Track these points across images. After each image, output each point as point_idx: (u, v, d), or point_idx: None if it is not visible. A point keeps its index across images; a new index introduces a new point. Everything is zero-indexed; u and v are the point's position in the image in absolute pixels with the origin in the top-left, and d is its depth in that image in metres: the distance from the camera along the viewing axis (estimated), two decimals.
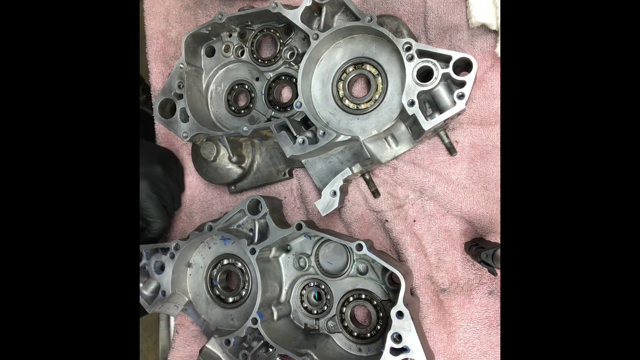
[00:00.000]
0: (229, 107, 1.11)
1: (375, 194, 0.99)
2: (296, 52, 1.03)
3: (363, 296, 0.96)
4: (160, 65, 1.23)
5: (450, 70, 0.82)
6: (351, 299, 0.97)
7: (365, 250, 0.86)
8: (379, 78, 0.94)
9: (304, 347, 0.92)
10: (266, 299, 0.97)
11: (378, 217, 1.00)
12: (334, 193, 0.92)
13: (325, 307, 0.99)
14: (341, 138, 0.91)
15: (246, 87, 1.10)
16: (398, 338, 0.83)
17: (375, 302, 0.95)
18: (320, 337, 0.97)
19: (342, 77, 0.97)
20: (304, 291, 1.01)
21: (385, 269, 0.92)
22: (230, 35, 1.09)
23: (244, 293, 1.05)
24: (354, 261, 0.97)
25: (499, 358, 0.90)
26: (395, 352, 0.83)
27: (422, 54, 0.85)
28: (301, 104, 0.93)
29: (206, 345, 0.99)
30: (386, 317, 0.92)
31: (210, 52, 1.12)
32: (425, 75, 0.85)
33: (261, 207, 0.98)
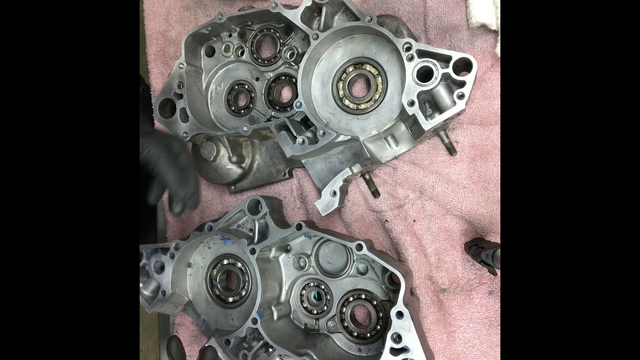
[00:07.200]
0: (229, 107, 1.11)
1: (375, 194, 0.99)
2: (296, 52, 1.03)
3: (363, 296, 0.96)
4: (160, 65, 1.23)
5: (450, 70, 0.82)
6: (351, 299, 0.97)
7: (365, 250, 0.86)
8: (379, 78, 0.94)
9: (303, 347, 0.92)
10: (266, 299, 0.97)
11: (378, 217, 1.00)
12: (334, 193, 0.92)
13: (325, 307, 0.99)
14: (341, 138, 0.91)
15: (246, 87, 1.10)
16: (398, 338, 0.83)
17: (375, 302, 0.95)
18: (320, 337, 0.97)
19: (342, 77, 0.97)
20: (304, 291, 1.01)
21: (385, 269, 0.92)
22: (230, 35, 1.09)
23: (244, 293, 1.05)
24: (354, 261, 0.97)
25: (499, 358, 0.90)
26: (395, 352, 0.83)
27: (422, 54, 0.85)
28: (301, 104, 0.93)
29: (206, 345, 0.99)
30: (386, 317, 0.92)
31: (210, 52, 1.12)
32: (425, 75, 0.85)
33: (261, 207, 0.98)
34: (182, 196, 0.90)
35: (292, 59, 1.03)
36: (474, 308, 0.93)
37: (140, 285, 1.06)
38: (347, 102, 0.96)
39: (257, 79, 1.08)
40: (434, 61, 0.83)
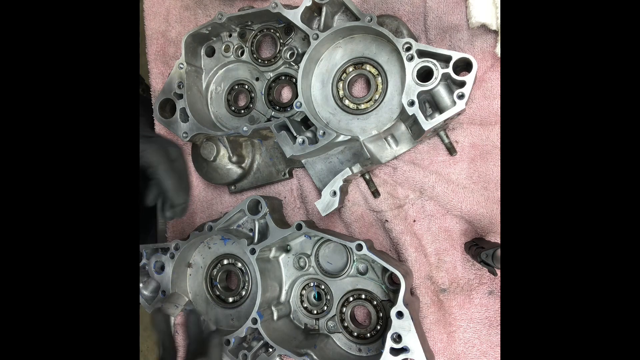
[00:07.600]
0: (229, 107, 1.11)
1: (375, 194, 0.99)
2: (296, 52, 1.03)
3: (363, 296, 0.96)
4: (160, 65, 1.23)
5: (450, 70, 0.82)
6: (351, 299, 0.97)
7: (365, 250, 0.86)
8: (379, 78, 0.94)
9: (303, 347, 0.92)
10: (266, 299, 0.97)
11: (378, 217, 1.00)
12: (334, 193, 0.92)
13: (325, 307, 0.99)
14: (341, 138, 0.91)
15: (246, 87, 1.10)
16: (398, 338, 0.83)
17: (375, 302, 0.95)
18: (320, 337, 0.97)
19: (342, 77, 0.97)
20: (304, 291, 1.01)
21: (385, 269, 0.92)
22: (230, 35, 1.09)
23: (244, 293, 1.05)
24: (354, 261, 0.97)
25: (499, 358, 0.90)
26: (395, 352, 0.83)
27: (422, 54, 0.85)
28: (301, 104, 0.93)
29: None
30: (386, 317, 0.92)
31: (210, 52, 1.12)
32: (425, 75, 0.85)
33: (261, 207, 0.98)
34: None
35: (292, 59, 1.03)
36: (474, 308, 0.93)
37: (140, 285, 1.06)
38: (347, 102, 0.96)
39: (257, 79, 1.08)
40: (434, 61, 0.83)
